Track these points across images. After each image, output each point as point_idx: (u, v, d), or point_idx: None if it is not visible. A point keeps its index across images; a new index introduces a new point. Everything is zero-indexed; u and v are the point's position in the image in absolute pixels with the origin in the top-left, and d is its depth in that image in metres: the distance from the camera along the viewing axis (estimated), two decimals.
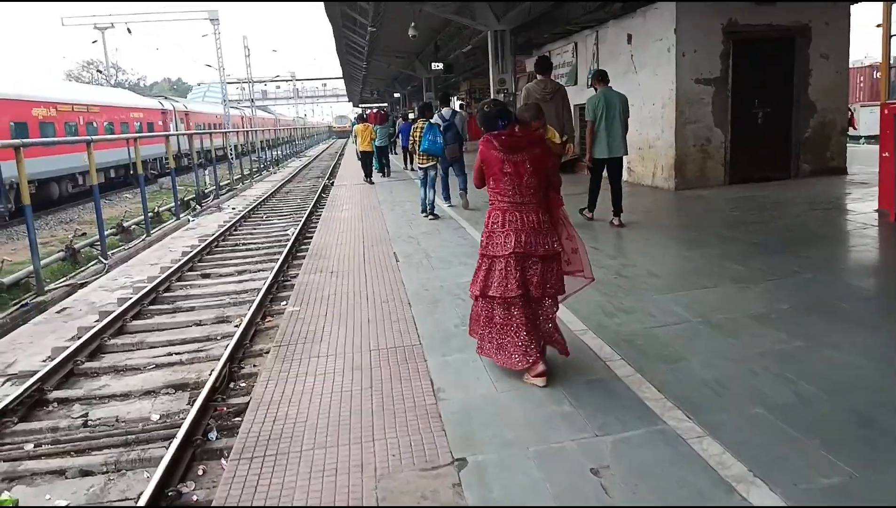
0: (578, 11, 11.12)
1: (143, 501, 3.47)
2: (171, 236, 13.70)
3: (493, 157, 3.50)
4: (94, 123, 20.80)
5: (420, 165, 9.51)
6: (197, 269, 9.99)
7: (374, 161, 16.74)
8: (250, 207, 16.62)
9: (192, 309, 7.89)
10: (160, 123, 27.37)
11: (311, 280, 6.41)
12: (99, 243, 11.29)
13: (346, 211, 11.31)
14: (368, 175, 16.19)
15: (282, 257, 9.55)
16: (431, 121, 9.62)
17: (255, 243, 11.86)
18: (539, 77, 7.57)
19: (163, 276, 9.13)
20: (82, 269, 10.70)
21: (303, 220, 13.13)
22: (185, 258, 10.29)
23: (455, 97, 31.03)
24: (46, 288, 9.20)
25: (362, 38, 20.12)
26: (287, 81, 78.07)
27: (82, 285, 9.80)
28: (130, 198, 20.95)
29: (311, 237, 10.54)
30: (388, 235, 8.58)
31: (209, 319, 7.34)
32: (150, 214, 14.40)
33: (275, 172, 29.98)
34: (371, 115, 18.95)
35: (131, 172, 21.15)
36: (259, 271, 9.61)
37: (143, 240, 12.89)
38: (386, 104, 48.50)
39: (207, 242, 11.66)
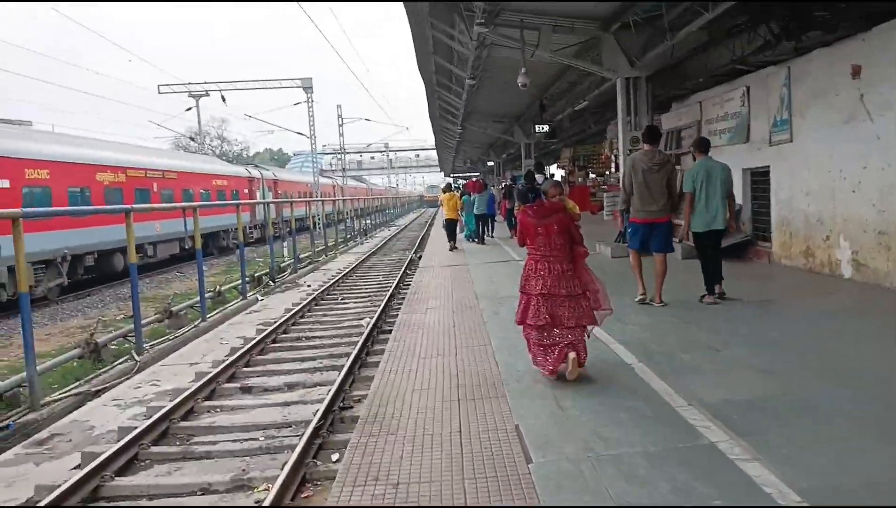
0: (753, 43, 8.23)
1: None
2: (230, 322, 11.60)
3: (529, 222, 4.71)
4: (170, 191, 19.63)
5: None
6: (239, 377, 7.68)
7: (464, 228, 17.46)
8: (328, 284, 14.51)
9: (206, 456, 5.46)
10: (246, 191, 26.34)
11: None
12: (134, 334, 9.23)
13: (432, 312, 8.18)
14: (452, 241, 16.42)
15: (345, 369, 7.11)
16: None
17: (320, 337, 9.54)
18: (646, 147, 7.05)
19: (191, 389, 6.83)
20: (107, 367, 8.60)
21: (381, 305, 10.72)
22: (230, 359, 8.00)
23: (556, 165, 28.61)
24: (46, 400, 7.09)
25: (458, 99, 18.16)
26: (381, 151, 78.75)
27: (97, 394, 7.67)
28: (205, 270, 19.39)
29: (390, 331, 7.98)
30: (497, 371, 5.19)
31: (222, 482, 4.87)
32: (209, 293, 12.50)
33: (362, 243, 28.28)
34: (470, 183, 18.60)
35: (187, 245, 19.37)
36: (316, 384, 7.19)
37: (193, 327, 10.80)
38: (478, 173, 46.87)
39: (265, 333, 9.42)
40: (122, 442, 5.42)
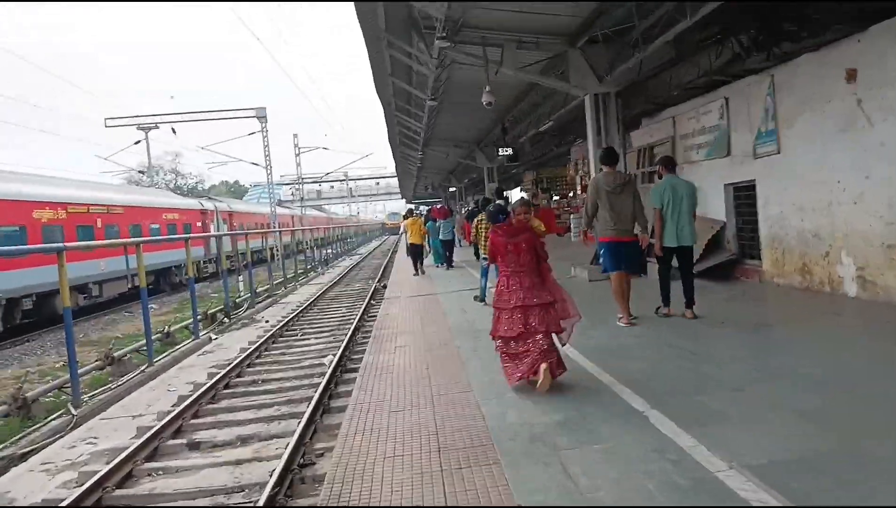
0: (723, 56, 7.89)
1: None
2: (180, 366, 10.67)
3: (500, 241, 5.12)
4: (116, 226, 18.50)
5: (485, 257, 9.55)
6: (186, 431, 6.84)
7: (430, 254, 17.65)
8: (287, 319, 13.68)
9: None
10: (199, 224, 25.21)
11: None
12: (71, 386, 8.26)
13: (402, 351, 7.16)
14: (417, 267, 16.36)
15: (306, 416, 6.38)
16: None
17: (278, 379, 8.78)
18: (605, 169, 7.17)
19: (130, 449, 5.97)
20: (39, 425, 7.62)
21: (345, 341, 10.01)
22: (178, 410, 7.17)
23: (520, 188, 28.31)
24: None
25: (418, 123, 17.67)
26: (340, 180, 77.83)
27: (24, 457, 6.72)
28: (156, 309, 18.29)
29: (355, 370, 7.22)
30: (485, 426, 4.27)
31: None
32: (158, 335, 11.57)
33: (323, 274, 27.34)
34: (434, 210, 18.47)
35: (135, 283, 18.22)
36: (273, 437, 6.43)
37: (140, 372, 9.85)
38: (440, 199, 46.45)
39: (217, 377, 8.63)
40: None
